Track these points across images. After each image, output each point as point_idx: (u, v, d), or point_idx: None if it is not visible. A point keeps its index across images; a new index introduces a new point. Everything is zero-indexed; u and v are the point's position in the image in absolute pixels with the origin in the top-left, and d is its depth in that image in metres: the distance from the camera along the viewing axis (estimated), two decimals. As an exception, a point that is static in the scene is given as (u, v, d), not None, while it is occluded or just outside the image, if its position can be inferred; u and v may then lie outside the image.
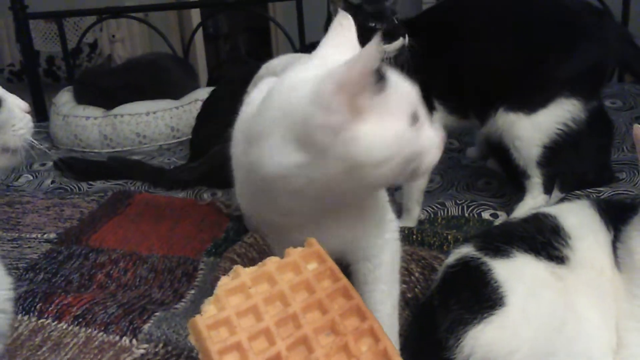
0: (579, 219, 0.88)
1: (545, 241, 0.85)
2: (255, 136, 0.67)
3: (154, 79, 2.10)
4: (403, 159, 0.64)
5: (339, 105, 0.60)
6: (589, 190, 1.33)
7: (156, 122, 2.01)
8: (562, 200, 1.30)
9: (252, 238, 1.15)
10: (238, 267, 0.65)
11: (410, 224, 1.33)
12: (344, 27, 0.74)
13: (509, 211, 1.31)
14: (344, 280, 0.67)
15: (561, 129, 1.22)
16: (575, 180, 1.34)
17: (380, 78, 0.62)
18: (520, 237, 0.87)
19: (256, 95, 0.74)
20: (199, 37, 4.40)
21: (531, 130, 1.23)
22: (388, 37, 1.18)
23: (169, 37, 2.51)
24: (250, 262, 1.10)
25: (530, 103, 1.22)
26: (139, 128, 2.00)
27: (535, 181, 1.26)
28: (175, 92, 2.09)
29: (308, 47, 2.40)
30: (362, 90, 0.61)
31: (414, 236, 1.19)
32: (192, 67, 2.42)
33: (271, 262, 0.65)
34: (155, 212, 1.43)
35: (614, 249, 0.84)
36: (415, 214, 1.34)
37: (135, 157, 1.89)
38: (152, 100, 2.05)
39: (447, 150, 1.43)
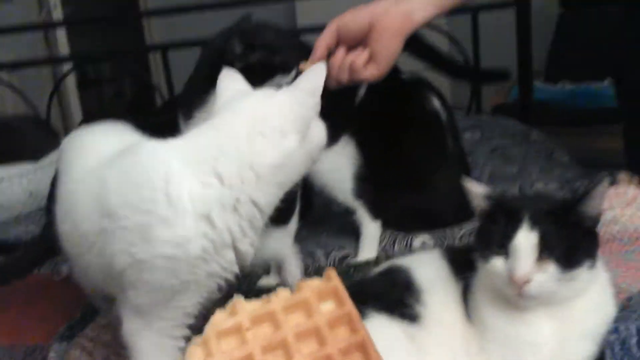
0: (429, 271, 0.88)
1: (398, 298, 0.85)
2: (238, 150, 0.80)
3: (7, 142, 1.97)
4: None
5: (314, 102, 0.82)
6: (450, 227, 1.36)
7: (11, 189, 1.86)
8: (424, 242, 1.32)
9: (106, 319, 1.08)
10: (237, 301, 0.54)
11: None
12: (232, 77, 0.90)
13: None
14: (364, 333, 0.58)
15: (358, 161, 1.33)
16: (432, 220, 1.37)
17: None
18: (374, 296, 0.86)
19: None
20: (71, 85, 4.23)
21: (337, 162, 1.30)
22: (284, 70, 1.16)
23: (42, 88, 2.39)
24: (104, 346, 1.03)
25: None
26: (-8, 196, 1.85)
27: (361, 212, 1.35)
28: (32, 155, 1.97)
29: (177, 97, 2.38)
30: (319, 95, 0.83)
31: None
32: (51, 126, 2.29)
33: (278, 299, 0.56)
34: (4, 293, 1.31)
35: (465, 300, 0.85)
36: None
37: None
38: (6, 165, 1.91)
39: (320, 193, 1.42)
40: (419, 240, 1.37)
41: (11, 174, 1.89)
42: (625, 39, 1.26)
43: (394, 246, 1.38)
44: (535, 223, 0.74)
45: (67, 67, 3.09)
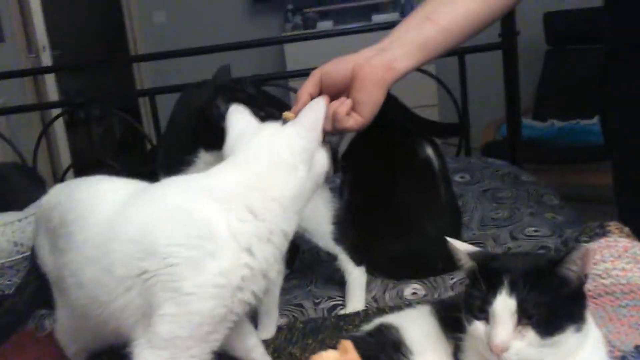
0: (419, 330, 0.86)
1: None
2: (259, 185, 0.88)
3: (-8, 191, 1.95)
4: None
5: (316, 135, 0.90)
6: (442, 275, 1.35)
7: (-4, 239, 1.84)
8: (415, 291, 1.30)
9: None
10: None
11: (271, 329, 1.27)
12: (242, 112, 0.96)
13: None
14: None
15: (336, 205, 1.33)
16: (423, 268, 1.36)
17: None
18: (364, 357, 0.83)
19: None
20: (60, 127, 4.23)
21: (314, 206, 1.28)
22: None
23: (31, 129, 2.37)
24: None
25: None
26: (-25, 247, 1.82)
27: (343, 257, 1.32)
28: (18, 203, 1.94)
29: (161, 138, 2.38)
30: (320, 127, 0.91)
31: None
32: (38, 174, 2.27)
33: None
34: (-16, 352, 1.27)
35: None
36: (275, 315, 1.29)
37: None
38: (-10, 214, 1.88)
39: (302, 238, 1.40)
40: (409, 289, 1.35)
41: (-4, 223, 1.86)
42: (609, 79, 1.26)
43: (384, 295, 1.36)
44: (514, 288, 0.72)
45: (55, 110, 3.09)
